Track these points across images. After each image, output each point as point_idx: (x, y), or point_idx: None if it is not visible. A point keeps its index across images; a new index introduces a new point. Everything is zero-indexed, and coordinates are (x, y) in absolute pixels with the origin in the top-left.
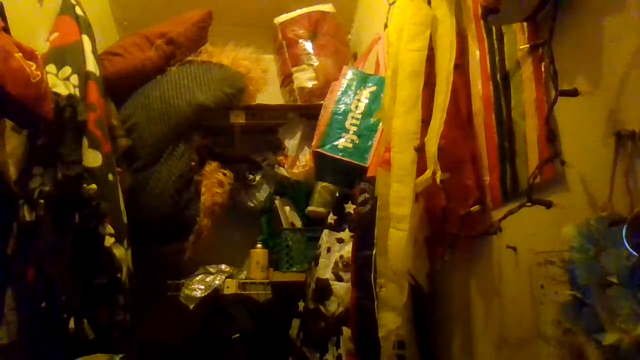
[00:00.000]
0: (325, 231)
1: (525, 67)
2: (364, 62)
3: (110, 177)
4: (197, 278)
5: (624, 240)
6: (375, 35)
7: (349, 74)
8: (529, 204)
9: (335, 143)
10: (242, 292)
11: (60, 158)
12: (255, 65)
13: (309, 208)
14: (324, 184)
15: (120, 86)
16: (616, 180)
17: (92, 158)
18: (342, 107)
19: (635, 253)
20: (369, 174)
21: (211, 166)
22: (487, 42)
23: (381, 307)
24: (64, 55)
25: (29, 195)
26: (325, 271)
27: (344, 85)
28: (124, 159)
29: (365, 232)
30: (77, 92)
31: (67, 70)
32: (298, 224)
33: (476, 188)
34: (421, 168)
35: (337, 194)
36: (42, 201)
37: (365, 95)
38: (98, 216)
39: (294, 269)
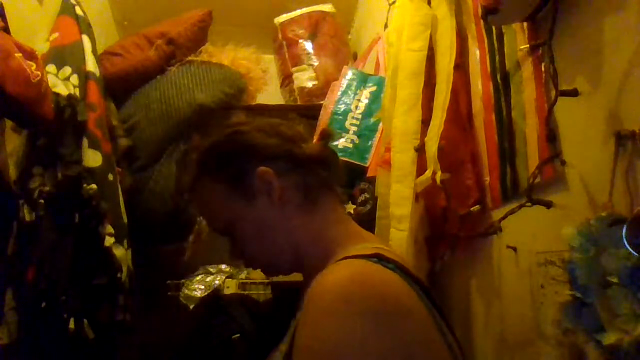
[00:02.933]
0: None
1: (525, 67)
2: (364, 62)
3: (110, 177)
4: (197, 278)
5: (624, 240)
6: (375, 35)
7: (349, 74)
8: (529, 204)
9: (335, 143)
10: (242, 292)
11: (60, 158)
12: (255, 65)
13: None
14: None
15: (120, 86)
16: (616, 180)
17: (92, 158)
18: (342, 107)
19: (635, 253)
20: (369, 174)
21: None
22: (487, 42)
23: None
24: (64, 55)
25: (29, 195)
26: None
27: (344, 85)
28: (124, 159)
29: None
30: (77, 92)
31: (67, 70)
32: None
33: (476, 188)
34: (421, 168)
35: None
36: (42, 201)
37: (365, 95)
38: (98, 216)
39: None
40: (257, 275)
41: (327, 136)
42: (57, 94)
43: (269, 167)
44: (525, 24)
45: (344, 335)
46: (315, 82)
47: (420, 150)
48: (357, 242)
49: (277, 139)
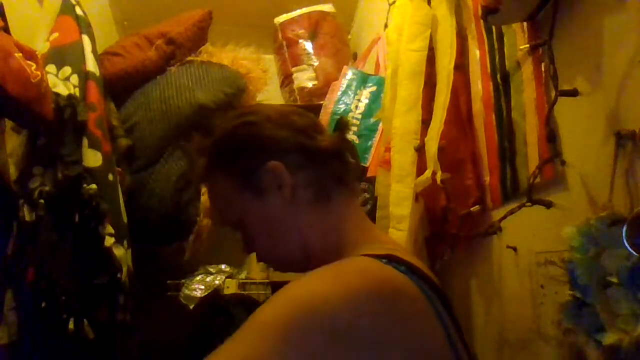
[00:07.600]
0: None
1: (525, 67)
2: (364, 62)
3: (110, 177)
4: (197, 278)
5: (624, 240)
6: (375, 35)
7: (349, 74)
8: (529, 204)
9: None
10: (242, 292)
11: (60, 158)
12: (255, 65)
13: None
14: None
15: (120, 86)
16: (616, 180)
17: (92, 158)
18: (342, 107)
19: (635, 253)
20: (369, 174)
21: None
22: (487, 42)
23: None
24: (64, 55)
25: (29, 195)
26: None
27: (344, 85)
28: (124, 159)
29: None
30: (77, 92)
31: (67, 70)
32: None
33: (476, 188)
34: (421, 168)
35: None
36: (42, 201)
37: (365, 95)
38: (98, 216)
39: None
40: (257, 275)
41: (343, 126)
42: (57, 94)
43: (279, 161)
44: (525, 24)
45: None
46: (315, 82)
47: (420, 150)
48: (371, 243)
49: (288, 130)
